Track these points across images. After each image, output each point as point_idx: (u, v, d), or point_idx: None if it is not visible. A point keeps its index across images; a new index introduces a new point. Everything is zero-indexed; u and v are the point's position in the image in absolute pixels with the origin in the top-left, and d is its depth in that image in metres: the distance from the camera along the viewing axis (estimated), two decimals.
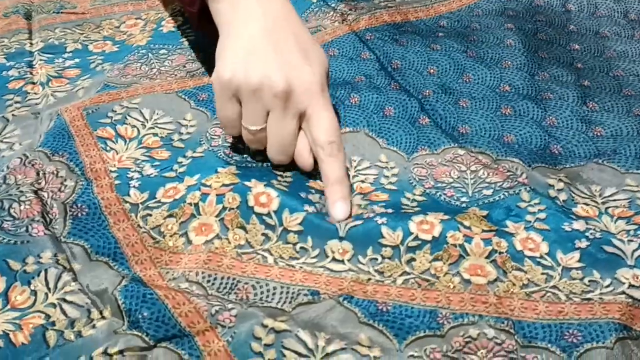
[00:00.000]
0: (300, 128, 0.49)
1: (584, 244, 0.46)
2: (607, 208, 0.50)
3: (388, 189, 0.52)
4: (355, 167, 0.54)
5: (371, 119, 0.58)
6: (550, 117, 0.60)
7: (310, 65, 0.48)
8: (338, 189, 0.47)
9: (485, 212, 0.49)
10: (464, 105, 0.61)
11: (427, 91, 0.63)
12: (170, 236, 0.47)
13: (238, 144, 0.54)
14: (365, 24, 0.70)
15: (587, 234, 0.47)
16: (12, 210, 0.48)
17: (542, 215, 0.48)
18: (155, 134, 0.56)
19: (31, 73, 0.66)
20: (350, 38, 0.68)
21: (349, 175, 0.49)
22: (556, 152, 0.56)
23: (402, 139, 0.57)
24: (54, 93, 0.63)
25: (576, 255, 0.45)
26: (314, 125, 0.47)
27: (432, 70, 0.65)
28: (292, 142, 0.49)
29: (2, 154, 0.54)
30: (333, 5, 0.73)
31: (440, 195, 0.52)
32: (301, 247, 0.46)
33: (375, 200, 0.50)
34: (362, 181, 0.52)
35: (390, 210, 0.48)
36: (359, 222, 0.47)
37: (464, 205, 0.50)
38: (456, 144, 0.56)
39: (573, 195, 0.51)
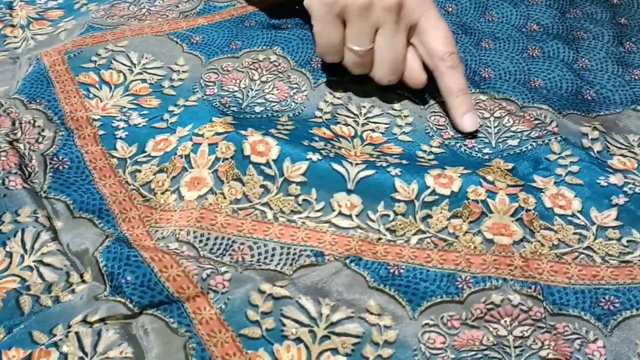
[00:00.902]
0: (409, 43, 0.47)
1: (621, 200, 0.41)
2: None
3: (401, 140, 0.47)
4: (365, 114, 0.49)
5: None
6: (583, 59, 0.54)
7: None
8: (465, 99, 0.47)
9: (510, 165, 0.44)
10: (487, 46, 0.56)
11: None
12: (162, 193, 0.43)
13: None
14: None
15: (625, 188, 0.42)
16: None
17: (575, 169, 0.43)
18: (143, 80, 0.52)
19: (10, 15, 0.61)
20: None
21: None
22: (589, 97, 0.51)
23: None
24: (34, 36, 0.58)
25: (613, 212, 0.41)
26: (431, 37, 0.46)
27: (450, 9, 0.59)
28: (403, 59, 0.47)
29: None
30: None
31: (460, 146, 0.47)
32: (304, 200, 0.41)
33: (387, 153, 0.45)
34: (373, 130, 0.47)
35: (405, 162, 0.43)
36: (371, 172, 0.42)
37: (486, 157, 0.46)
38: (478, 90, 0.51)
39: (609, 145, 0.46)
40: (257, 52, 0.53)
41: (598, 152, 0.45)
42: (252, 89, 0.50)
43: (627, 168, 0.44)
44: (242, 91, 0.50)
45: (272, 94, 0.50)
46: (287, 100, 0.50)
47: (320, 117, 0.48)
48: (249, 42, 0.54)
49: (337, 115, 0.48)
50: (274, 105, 0.49)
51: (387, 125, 0.48)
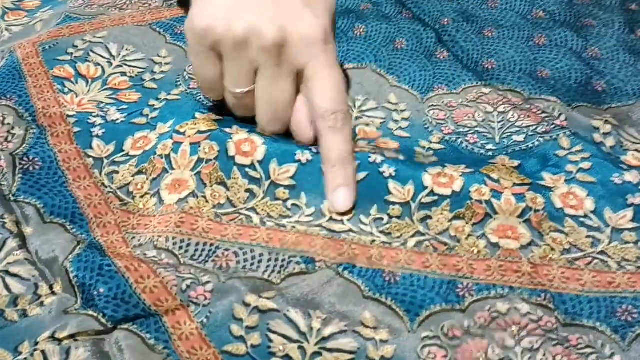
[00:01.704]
0: (299, 90, 0.40)
1: (638, 199, 0.38)
2: None
3: (398, 135, 0.44)
4: (359, 107, 0.46)
5: (379, 53, 0.50)
6: (592, 48, 0.51)
7: (311, 8, 0.38)
8: (340, 172, 0.38)
9: (516, 163, 0.41)
10: (490, 35, 0.53)
11: (446, 19, 0.54)
12: (141, 197, 0.40)
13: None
14: None
15: None
16: None
17: (586, 165, 0.40)
18: (123, 73, 0.49)
19: None
20: None
21: (354, 156, 0.39)
22: (600, 88, 0.48)
23: (415, 75, 0.49)
24: (9, 27, 0.55)
25: (629, 213, 0.38)
26: (315, 89, 0.38)
27: None
28: (287, 109, 0.39)
29: None
30: None
31: (461, 142, 0.44)
32: (293, 204, 0.39)
33: (383, 148, 0.42)
34: (367, 125, 0.44)
35: (401, 157, 0.40)
36: (362, 174, 0.39)
37: (490, 153, 0.43)
38: (480, 82, 0.48)
39: (622, 140, 0.43)
40: None
41: (611, 147, 0.42)
42: None
43: None
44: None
45: None
46: None
47: None
48: None
49: None
50: None
51: (382, 120, 0.45)
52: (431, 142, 0.44)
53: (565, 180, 0.40)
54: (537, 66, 0.49)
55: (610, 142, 0.43)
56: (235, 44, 0.37)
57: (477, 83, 0.48)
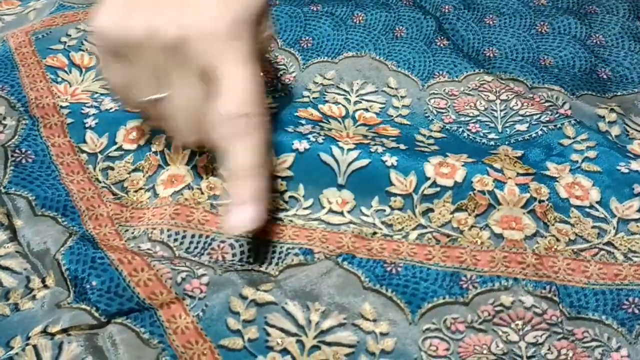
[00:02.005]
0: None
1: None
2: None
3: (398, 122, 0.43)
4: (357, 90, 0.45)
5: (379, 41, 0.49)
6: (597, 35, 0.50)
7: (216, 1, 0.33)
8: (244, 186, 0.33)
9: (519, 152, 0.40)
10: (491, 23, 0.52)
11: (446, 7, 0.53)
12: (135, 191, 0.39)
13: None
14: None
15: None
16: None
17: (592, 154, 0.39)
18: None
19: None
20: None
21: (269, 167, 0.36)
22: (604, 76, 0.47)
23: (415, 61, 0.48)
24: (2, 16, 0.53)
25: (635, 203, 0.37)
26: (221, 90, 0.33)
27: None
28: (200, 116, 0.34)
29: None
30: None
31: (463, 131, 0.43)
32: (290, 197, 0.38)
33: (383, 135, 0.41)
34: (366, 110, 0.43)
35: (402, 146, 0.39)
36: (364, 162, 0.38)
37: (492, 143, 0.42)
38: (482, 70, 0.47)
39: (628, 129, 0.42)
40: None
41: (616, 136, 0.42)
42: None
43: None
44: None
45: None
46: (273, 82, 0.46)
47: (308, 97, 0.44)
48: None
49: (325, 93, 0.45)
50: None
51: (382, 105, 0.44)
52: (432, 131, 0.43)
53: (570, 170, 0.39)
54: (540, 54, 0.48)
55: (615, 130, 0.42)
56: (135, 46, 0.33)
57: (479, 71, 0.47)
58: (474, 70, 0.47)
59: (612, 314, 0.33)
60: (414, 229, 0.37)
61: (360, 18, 0.51)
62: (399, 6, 0.53)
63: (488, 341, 0.32)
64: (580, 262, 0.35)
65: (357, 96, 0.45)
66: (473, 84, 0.46)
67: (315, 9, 0.51)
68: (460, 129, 0.43)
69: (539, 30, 0.51)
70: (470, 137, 0.43)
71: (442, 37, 0.50)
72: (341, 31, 0.50)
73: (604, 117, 0.43)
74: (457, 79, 0.46)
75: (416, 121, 0.43)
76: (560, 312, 0.33)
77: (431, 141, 0.42)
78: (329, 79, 0.46)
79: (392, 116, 0.43)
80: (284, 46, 0.48)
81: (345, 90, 0.45)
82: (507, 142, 0.42)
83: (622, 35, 0.50)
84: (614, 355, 0.31)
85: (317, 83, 0.45)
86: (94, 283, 0.33)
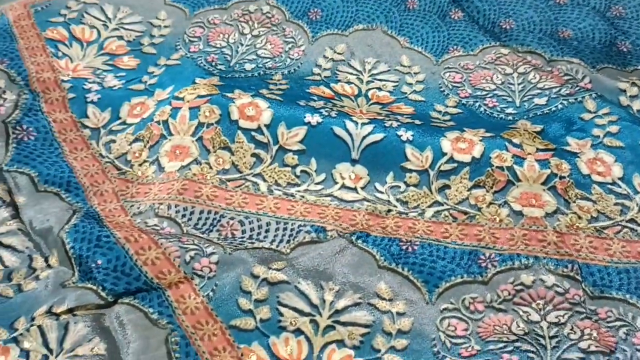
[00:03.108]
0: None
1: None
2: None
3: (412, 99, 0.42)
4: (370, 70, 0.44)
5: (390, 14, 0.48)
6: (617, 7, 0.49)
7: None
8: None
9: (539, 127, 0.39)
10: None
11: None
12: (139, 165, 0.38)
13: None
14: None
15: None
16: None
17: (614, 129, 0.38)
18: (120, 37, 0.46)
19: None
20: None
21: None
22: (625, 49, 0.45)
23: (428, 37, 0.46)
24: None
25: None
26: None
27: None
28: None
29: None
30: None
31: (479, 105, 0.42)
32: (302, 171, 0.37)
33: (397, 112, 0.40)
34: (379, 89, 0.42)
35: (418, 122, 0.38)
36: (379, 136, 0.37)
37: (510, 117, 0.41)
38: (498, 42, 0.45)
39: None
40: (248, 1, 0.48)
41: (638, 110, 0.40)
42: (242, 44, 0.45)
43: None
44: (230, 47, 0.45)
45: (265, 49, 0.45)
46: (281, 56, 0.45)
47: (319, 75, 0.43)
48: None
49: (337, 72, 0.43)
50: (266, 62, 0.44)
51: (395, 83, 0.43)
52: (447, 106, 0.42)
53: (592, 145, 0.38)
54: (558, 26, 0.47)
55: (637, 105, 0.41)
56: None
57: (494, 43, 0.46)
58: (490, 43, 0.46)
59: (637, 293, 0.32)
60: (430, 206, 0.36)
61: None
62: None
63: (508, 321, 0.31)
64: (603, 240, 0.34)
65: (370, 76, 0.43)
66: (489, 57, 0.45)
67: None
68: (477, 104, 0.42)
69: (557, 1, 0.49)
70: (488, 111, 0.41)
71: (457, 9, 0.48)
72: (351, 2, 0.49)
73: (625, 90, 0.42)
74: (472, 53, 0.45)
75: (431, 96, 0.42)
76: (583, 291, 0.32)
77: (447, 117, 0.41)
78: (340, 54, 0.45)
79: (405, 93, 0.42)
80: (292, 18, 0.47)
81: (357, 70, 0.44)
82: (525, 117, 0.41)
83: None
84: (639, 335, 0.31)
85: (327, 58, 0.44)
86: (99, 262, 0.32)
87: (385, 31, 0.47)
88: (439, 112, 0.41)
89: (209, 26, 0.47)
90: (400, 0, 0.49)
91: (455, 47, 0.46)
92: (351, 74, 0.44)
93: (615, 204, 0.35)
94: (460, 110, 0.42)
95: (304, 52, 0.45)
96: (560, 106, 0.41)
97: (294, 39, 0.46)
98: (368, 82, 0.43)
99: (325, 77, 0.43)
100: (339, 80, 0.43)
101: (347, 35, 0.46)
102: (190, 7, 0.48)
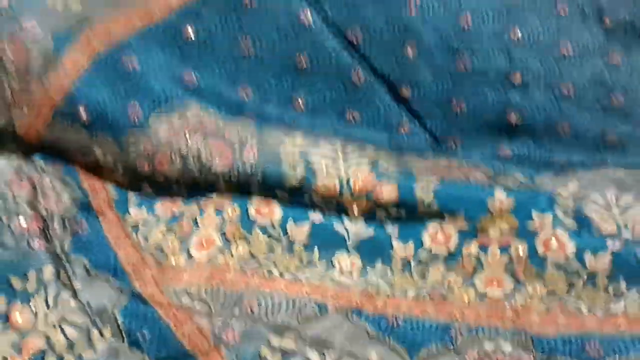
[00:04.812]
0: None
1: (617, 245, 0.44)
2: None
3: (395, 175, 0.49)
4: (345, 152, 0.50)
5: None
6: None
7: None
8: None
9: (511, 201, 0.46)
10: None
11: None
12: (173, 254, 0.47)
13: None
14: None
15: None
16: (12, 225, 0.49)
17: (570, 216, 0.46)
18: None
19: None
20: None
21: None
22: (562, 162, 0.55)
23: None
24: None
25: (607, 258, 0.44)
26: None
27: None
28: None
29: None
30: None
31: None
32: (308, 260, 0.46)
33: (383, 204, 0.48)
34: (358, 165, 0.48)
35: (403, 213, 0.47)
36: (370, 231, 0.46)
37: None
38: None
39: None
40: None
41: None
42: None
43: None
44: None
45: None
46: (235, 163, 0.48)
47: (294, 177, 0.48)
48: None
49: (314, 168, 0.48)
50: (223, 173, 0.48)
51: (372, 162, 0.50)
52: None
53: (552, 224, 0.45)
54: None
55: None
56: None
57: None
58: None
59: (579, 356, 0.40)
60: (412, 289, 0.45)
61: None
62: None
63: None
64: (551, 316, 0.43)
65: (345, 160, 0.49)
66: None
67: None
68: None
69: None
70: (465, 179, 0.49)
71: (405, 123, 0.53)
72: None
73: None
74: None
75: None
76: (533, 357, 0.40)
77: (430, 196, 0.47)
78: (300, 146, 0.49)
79: (382, 172, 0.48)
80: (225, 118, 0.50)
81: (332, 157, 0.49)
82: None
83: None
84: None
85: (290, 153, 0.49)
86: (145, 333, 0.41)
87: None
88: (422, 189, 0.48)
89: None
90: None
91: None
92: (328, 165, 0.48)
93: (565, 281, 0.44)
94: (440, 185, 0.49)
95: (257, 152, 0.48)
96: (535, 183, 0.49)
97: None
98: (345, 168, 0.49)
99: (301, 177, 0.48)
100: (317, 178, 0.47)
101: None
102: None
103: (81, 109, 0.47)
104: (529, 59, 0.51)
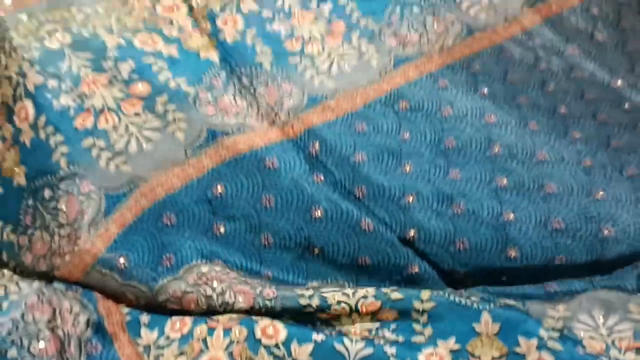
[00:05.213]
0: None
1: None
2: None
3: (394, 299, 0.52)
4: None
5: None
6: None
7: None
8: None
9: (497, 326, 0.49)
10: None
11: None
12: None
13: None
14: None
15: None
16: (31, 348, 0.52)
17: (555, 334, 0.49)
18: None
19: None
20: None
21: None
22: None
23: None
24: None
25: None
26: None
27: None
28: None
29: None
30: None
31: (451, 295, 0.53)
32: None
33: (384, 321, 0.51)
34: (365, 297, 0.53)
35: (400, 339, 0.50)
36: (369, 350, 0.49)
37: (475, 306, 0.51)
38: None
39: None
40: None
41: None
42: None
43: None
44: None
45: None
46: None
47: (310, 306, 0.53)
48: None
49: (325, 297, 0.53)
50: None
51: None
52: (423, 301, 0.52)
53: (537, 347, 0.48)
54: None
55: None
56: None
57: None
58: None
59: None
60: None
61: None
62: None
63: None
64: None
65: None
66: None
67: None
68: (446, 294, 0.53)
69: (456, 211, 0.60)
70: (457, 299, 0.52)
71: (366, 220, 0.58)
72: None
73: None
74: None
75: (407, 293, 0.53)
76: None
77: (424, 318, 0.51)
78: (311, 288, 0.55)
79: (387, 293, 0.53)
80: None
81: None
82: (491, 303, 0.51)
83: None
84: None
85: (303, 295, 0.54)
86: None
87: None
88: (417, 311, 0.52)
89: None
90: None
91: None
92: (336, 291, 0.54)
93: None
94: (434, 304, 0.52)
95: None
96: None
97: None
98: (354, 295, 0.53)
99: (316, 306, 0.53)
100: (329, 305, 0.53)
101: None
102: None
103: (121, 259, 0.54)
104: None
